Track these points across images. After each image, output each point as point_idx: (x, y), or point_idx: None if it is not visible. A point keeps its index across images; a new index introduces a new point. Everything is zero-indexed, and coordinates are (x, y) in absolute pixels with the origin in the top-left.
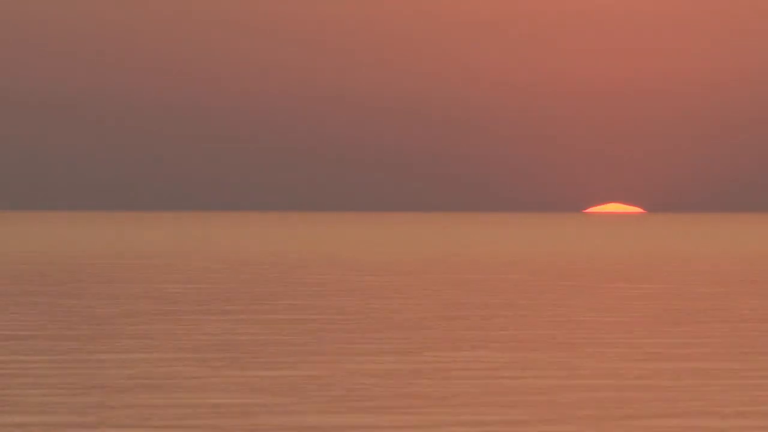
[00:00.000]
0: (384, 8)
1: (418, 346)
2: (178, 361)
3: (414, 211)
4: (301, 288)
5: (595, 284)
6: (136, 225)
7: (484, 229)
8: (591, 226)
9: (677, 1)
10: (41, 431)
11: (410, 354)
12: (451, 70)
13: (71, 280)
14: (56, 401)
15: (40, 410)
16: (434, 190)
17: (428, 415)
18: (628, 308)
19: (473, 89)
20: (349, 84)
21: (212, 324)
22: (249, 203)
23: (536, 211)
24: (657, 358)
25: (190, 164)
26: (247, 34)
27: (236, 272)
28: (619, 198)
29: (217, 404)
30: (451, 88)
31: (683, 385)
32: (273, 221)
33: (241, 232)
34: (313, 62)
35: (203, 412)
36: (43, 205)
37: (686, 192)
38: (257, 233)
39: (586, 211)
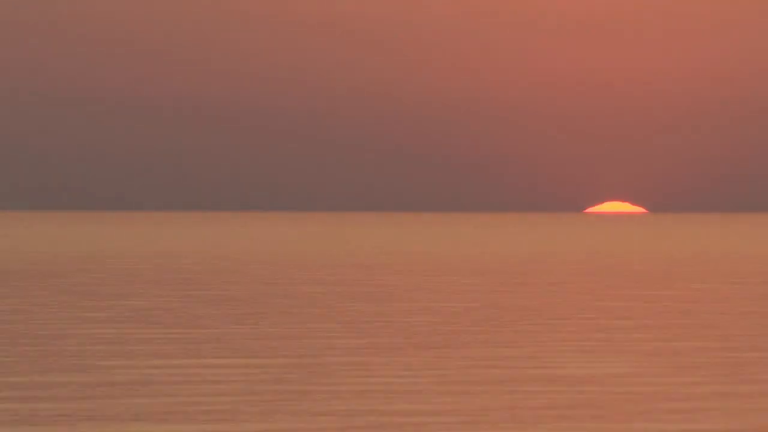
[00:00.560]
0: (378, 12)
1: None
2: None
3: (414, 211)
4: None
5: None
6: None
7: (503, 228)
8: (605, 226)
9: (680, 1)
10: None
11: None
12: (451, 70)
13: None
14: None
15: None
16: (434, 190)
17: None
18: None
19: (473, 89)
20: (347, 84)
21: None
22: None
23: (535, 211)
24: None
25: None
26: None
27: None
28: (620, 198)
29: None
30: (451, 88)
31: None
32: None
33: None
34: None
35: None
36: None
37: (687, 192)
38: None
39: (587, 210)
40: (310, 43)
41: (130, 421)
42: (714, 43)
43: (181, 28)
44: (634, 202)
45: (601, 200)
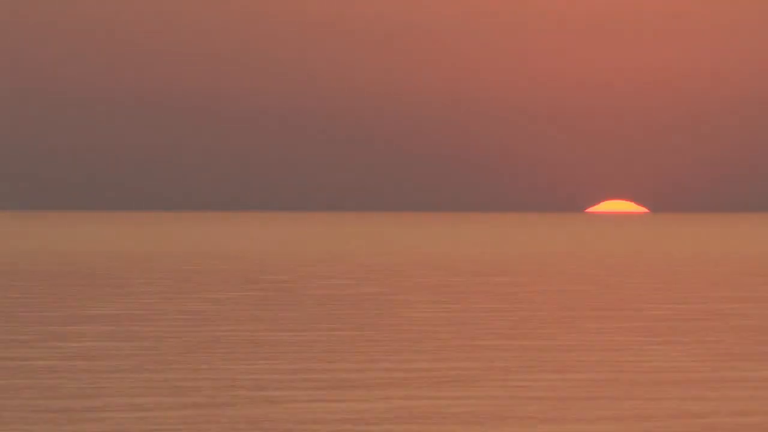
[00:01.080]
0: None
1: None
2: None
3: (414, 211)
4: None
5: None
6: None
7: (515, 228)
8: (620, 226)
9: (681, 0)
10: None
11: None
12: (451, 69)
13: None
14: None
15: None
16: (433, 191)
17: None
18: None
19: (473, 89)
20: (346, 84)
21: None
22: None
23: (534, 210)
24: None
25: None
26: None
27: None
28: (619, 197)
29: None
30: (451, 88)
31: None
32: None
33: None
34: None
35: None
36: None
37: (688, 192)
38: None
39: (587, 210)
40: (308, 42)
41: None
42: (721, 42)
43: (183, 27)
44: (635, 201)
45: (600, 200)
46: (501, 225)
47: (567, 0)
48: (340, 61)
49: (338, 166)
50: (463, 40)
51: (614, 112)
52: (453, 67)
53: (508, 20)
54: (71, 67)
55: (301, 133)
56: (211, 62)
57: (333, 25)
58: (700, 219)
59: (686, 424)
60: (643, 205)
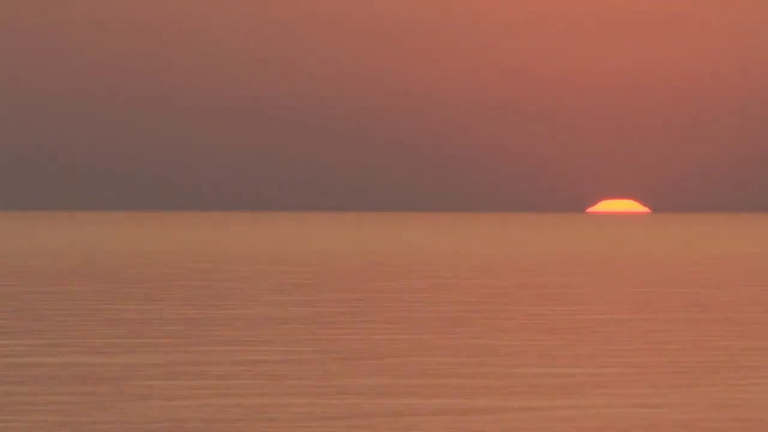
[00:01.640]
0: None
1: None
2: None
3: (414, 211)
4: None
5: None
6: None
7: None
8: (617, 226)
9: (686, 2)
10: None
11: None
12: (450, 69)
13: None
14: None
15: None
16: (432, 191)
17: None
18: None
19: (472, 89)
20: (347, 83)
21: None
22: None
23: (534, 211)
24: None
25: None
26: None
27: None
28: (621, 197)
29: None
30: (451, 88)
31: None
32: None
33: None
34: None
35: None
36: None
37: (691, 191)
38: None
39: (588, 210)
40: (307, 42)
41: None
42: (718, 42)
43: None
44: (636, 200)
45: (599, 199)
46: (501, 226)
47: (567, 0)
48: (339, 61)
49: (338, 167)
50: (463, 40)
51: (614, 112)
52: (453, 68)
53: (507, 20)
54: (70, 67)
55: (301, 134)
56: (212, 62)
57: (333, 24)
58: (714, 219)
59: None
60: (645, 204)
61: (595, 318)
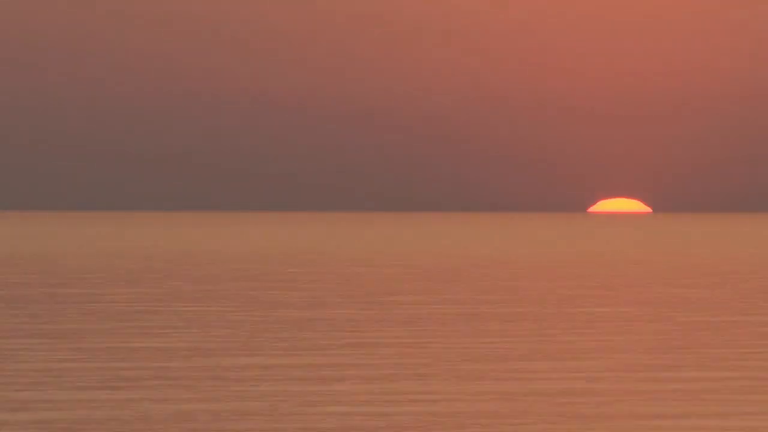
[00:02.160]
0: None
1: None
2: None
3: (414, 211)
4: None
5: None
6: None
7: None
8: (626, 226)
9: (687, 1)
10: None
11: None
12: (451, 69)
13: None
14: None
15: None
16: (433, 191)
17: None
18: None
19: (472, 89)
20: (342, 88)
21: None
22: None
23: (534, 211)
24: None
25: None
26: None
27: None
28: (621, 197)
29: None
30: (450, 89)
31: None
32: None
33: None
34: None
35: None
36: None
37: (692, 191)
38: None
39: (590, 210)
40: (307, 42)
41: None
42: (719, 42)
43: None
44: (638, 200)
45: (598, 199)
46: (505, 226)
47: (566, 0)
48: (339, 60)
49: (336, 166)
50: (463, 40)
51: (615, 111)
52: (453, 68)
53: (507, 19)
54: (71, 67)
55: (300, 133)
56: (212, 62)
57: (332, 23)
58: (723, 219)
59: None
60: (648, 204)
61: None
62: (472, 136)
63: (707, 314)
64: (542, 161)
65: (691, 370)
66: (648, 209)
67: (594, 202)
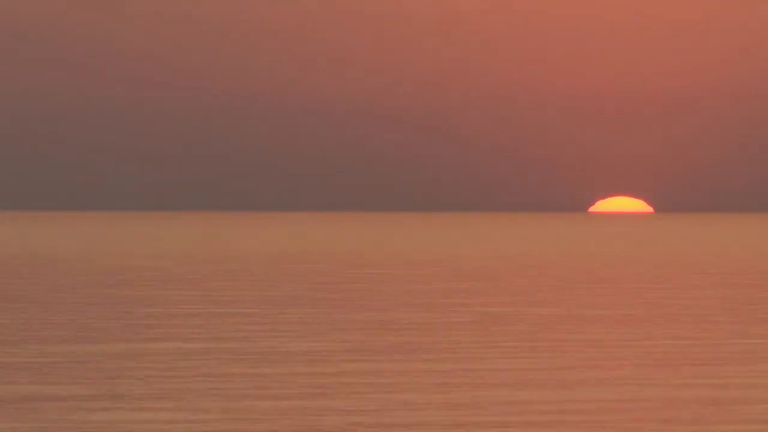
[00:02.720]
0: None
1: None
2: None
3: (413, 211)
4: None
5: None
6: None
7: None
8: (632, 226)
9: (688, 1)
10: None
11: None
12: (450, 70)
13: None
14: None
15: None
16: (432, 191)
17: None
18: None
19: (472, 89)
20: (341, 89)
21: None
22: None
23: (534, 211)
24: None
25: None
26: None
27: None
28: (622, 196)
29: None
30: (450, 89)
31: None
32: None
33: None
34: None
35: None
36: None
37: (693, 191)
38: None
39: (590, 209)
40: (306, 41)
41: None
42: (720, 42)
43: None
44: (639, 199)
45: (598, 198)
46: (508, 226)
47: (566, 0)
48: (338, 60)
49: (336, 167)
50: (463, 40)
51: (615, 111)
52: (452, 68)
53: (508, 18)
54: (70, 68)
55: (299, 133)
56: (212, 62)
57: (333, 23)
58: (725, 219)
59: None
60: (650, 205)
61: None
62: (472, 136)
63: None
64: (543, 161)
65: None
66: (650, 209)
67: (593, 201)
